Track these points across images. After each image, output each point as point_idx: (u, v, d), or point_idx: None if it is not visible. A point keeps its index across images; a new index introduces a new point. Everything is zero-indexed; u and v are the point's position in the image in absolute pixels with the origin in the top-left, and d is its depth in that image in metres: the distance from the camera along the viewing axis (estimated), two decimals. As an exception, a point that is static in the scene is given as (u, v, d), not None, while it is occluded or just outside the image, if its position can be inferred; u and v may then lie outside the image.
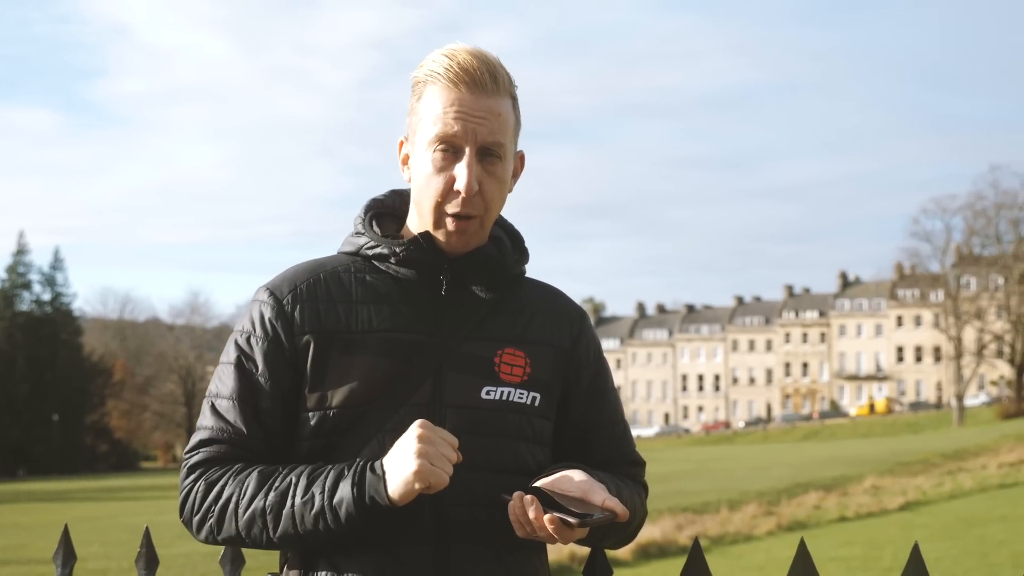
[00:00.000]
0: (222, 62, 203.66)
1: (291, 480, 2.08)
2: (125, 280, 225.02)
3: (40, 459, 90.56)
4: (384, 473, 2.03)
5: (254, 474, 2.12)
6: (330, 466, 2.09)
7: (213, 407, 2.21)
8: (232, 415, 2.18)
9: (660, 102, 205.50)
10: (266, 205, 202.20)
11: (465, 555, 2.14)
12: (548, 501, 2.08)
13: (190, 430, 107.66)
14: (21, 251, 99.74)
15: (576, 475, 2.13)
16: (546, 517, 2.04)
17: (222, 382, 2.22)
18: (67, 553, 2.88)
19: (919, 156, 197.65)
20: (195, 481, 2.17)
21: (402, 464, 2.01)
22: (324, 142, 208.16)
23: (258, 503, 2.08)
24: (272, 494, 2.07)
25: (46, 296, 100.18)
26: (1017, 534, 21.00)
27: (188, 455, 2.20)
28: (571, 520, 2.02)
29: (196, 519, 2.16)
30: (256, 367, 2.20)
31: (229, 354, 2.23)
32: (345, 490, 2.03)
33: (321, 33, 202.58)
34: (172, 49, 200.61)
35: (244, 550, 2.84)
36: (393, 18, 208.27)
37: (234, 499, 2.11)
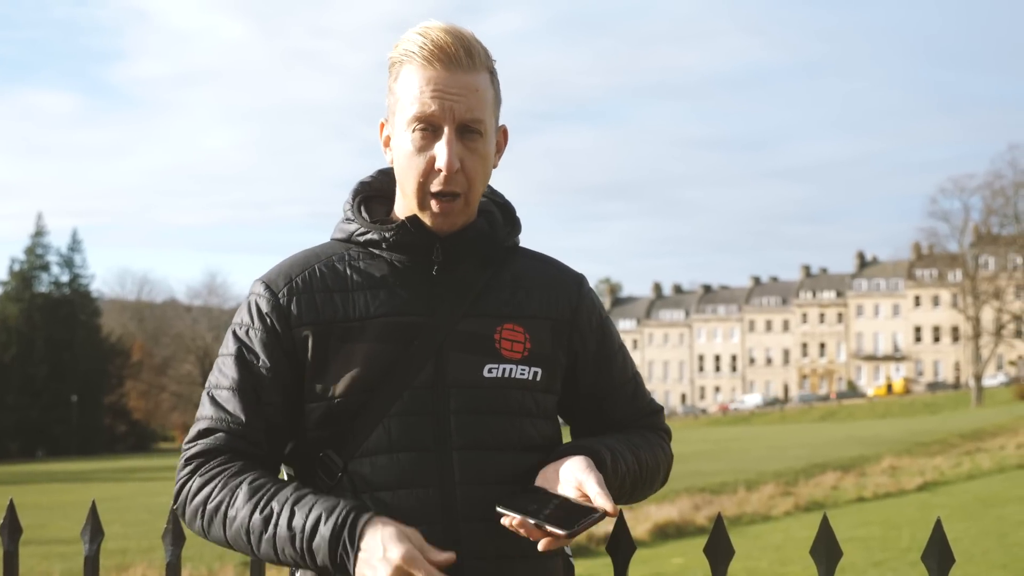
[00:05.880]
0: (240, 44, 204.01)
1: (273, 508, 2.07)
2: (143, 261, 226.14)
3: (59, 440, 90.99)
4: (358, 551, 1.98)
5: (244, 487, 2.11)
6: (314, 500, 2.05)
7: (212, 397, 2.21)
8: (232, 405, 2.18)
9: (676, 82, 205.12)
10: (283, 186, 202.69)
11: (476, 532, 2.15)
12: (544, 503, 2.06)
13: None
14: (40, 232, 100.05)
15: (576, 466, 2.11)
16: (536, 534, 2.04)
17: (222, 373, 2.22)
18: (95, 529, 2.90)
19: (936, 135, 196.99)
20: (191, 475, 2.18)
21: None
22: (341, 124, 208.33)
23: (243, 520, 2.08)
24: (256, 515, 2.07)
25: (64, 277, 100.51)
26: (1035, 514, 20.94)
27: (187, 446, 2.20)
28: (560, 533, 2.00)
29: (188, 513, 2.18)
30: (257, 358, 2.19)
31: (228, 346, 2.23)
32: (323, 538, 2.00)
33: (338, 15, 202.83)
34: (190, 32, 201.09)
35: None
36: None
37: (223, 509, 2.11)
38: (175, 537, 2.84)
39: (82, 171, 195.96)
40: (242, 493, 2.09)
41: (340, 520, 2.00)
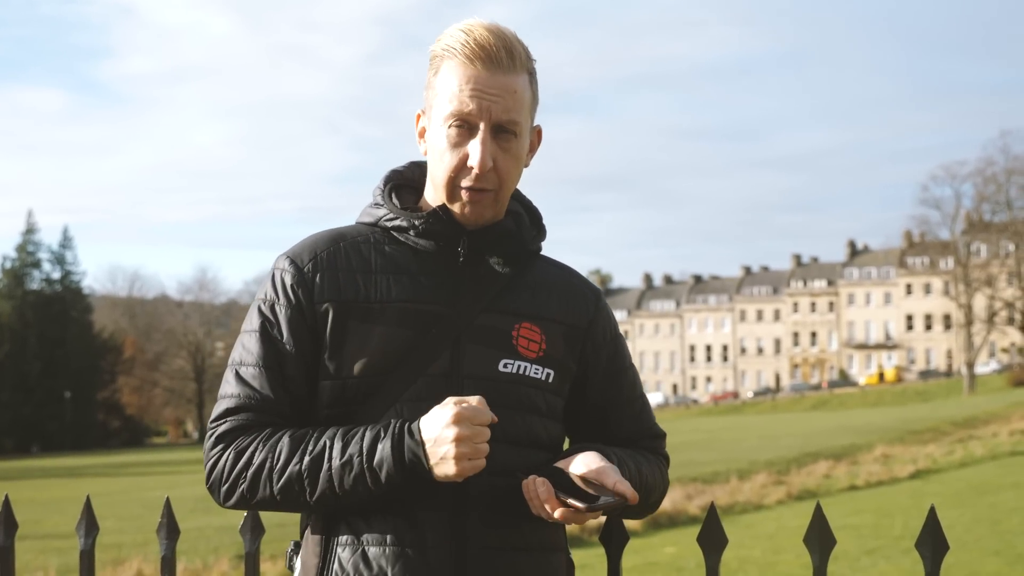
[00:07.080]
0: (227, 40, 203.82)
1: (325, 443, 2.10)
2: (133, 257, 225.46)
3: (53, 436, 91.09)
4: (423, 444, 2.06)
5: (285, 439, 2.13)
6: (363, 427, 2.11)
7: (238, 374, 2.22)
8: (258, 381, 2.19)
9: (663, 73, 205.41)
10: (273, 181, 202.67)
11: (482, 523, 2.17)
12: (563, 483, 2.11)
13: (200, 405, 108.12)
14: (30, 230, 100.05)
15: (590, 457, 2.15)
16: (554, 502, 2.08)
17: (246, 349, 2.23)
18: (89, 524, 2.91)
19: (926, 123, 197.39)
20: (223, 451, 2.17)
21: (443, 460, 2.04)
22: (330, 118, 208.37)
23: (293, 468, 2.10)
24: (307, 458, 2.10)
25: (56, 274, 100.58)
26: (1028, 501, 20.99)
27: (214, 424, 2.21)
28: (579, 506, 2.05)
29: (225, 487, 2.17)
30: (281, 334, 2.21)
31: (252, 321, 2.25)
32: (385, 452, 2.06)
33: (326, 9, 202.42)
34: (178, 28, 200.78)
35: (263, 520, 2.87)
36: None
37: (267, 465, 2.12)
38: (169, 531, 2.85)
39: (72, 168, 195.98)
40: (285, 447, 2.13)
41: (396, 431, 2.08)
